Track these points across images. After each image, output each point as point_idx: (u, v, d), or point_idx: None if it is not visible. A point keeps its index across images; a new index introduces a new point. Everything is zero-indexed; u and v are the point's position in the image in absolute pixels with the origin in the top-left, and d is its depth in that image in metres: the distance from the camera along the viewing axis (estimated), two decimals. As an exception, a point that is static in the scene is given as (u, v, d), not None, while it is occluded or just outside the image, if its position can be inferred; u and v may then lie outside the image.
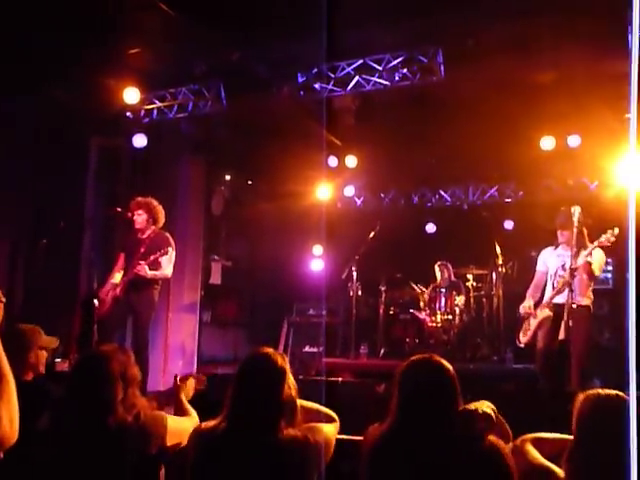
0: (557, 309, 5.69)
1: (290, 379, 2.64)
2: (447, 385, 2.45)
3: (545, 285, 6.04)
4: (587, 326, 5.73)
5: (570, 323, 5.34)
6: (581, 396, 2.33)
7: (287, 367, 2.65)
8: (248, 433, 2.51)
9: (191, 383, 3.33)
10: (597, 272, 5.68)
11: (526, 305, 5.97)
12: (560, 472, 2.27)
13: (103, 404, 2.56)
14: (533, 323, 5.92)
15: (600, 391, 2.31)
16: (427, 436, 2.35)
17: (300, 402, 2.68)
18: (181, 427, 2.81)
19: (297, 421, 2.60)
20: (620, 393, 2.26)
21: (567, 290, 5.44)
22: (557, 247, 5.93)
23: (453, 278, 8.93)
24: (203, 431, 2.61)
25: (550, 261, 5.97)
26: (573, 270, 5.46)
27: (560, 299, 5.69)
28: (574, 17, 5.68)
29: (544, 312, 5.82)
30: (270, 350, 2.69)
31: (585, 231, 5.76)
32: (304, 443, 2.50)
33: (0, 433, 1.77)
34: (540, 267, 6.10)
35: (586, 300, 5.72)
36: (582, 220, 5.70)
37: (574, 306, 5.43)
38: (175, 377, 3.34)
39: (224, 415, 2.59)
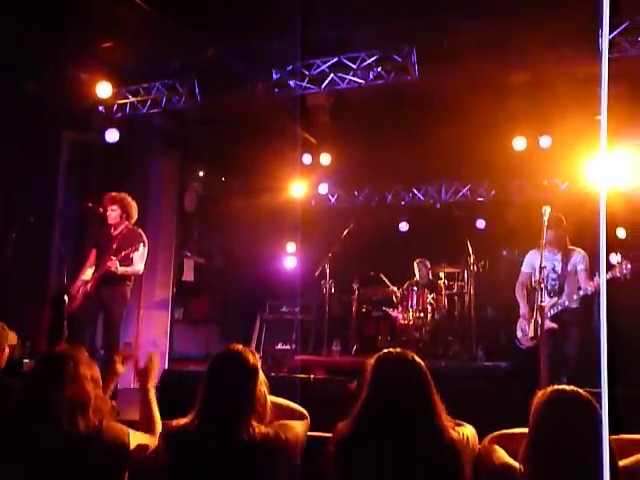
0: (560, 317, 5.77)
1: (261, 376, 2.64)
2: (414, 379, 2.47)
3: (532, 285, 6.10)
4: (579, 328, 5.79)
5: (539, 321, 5.40)
6: (539, 392, 2.34)
7: (258, 364, 2.65)
8: (219, 431, 2.50)
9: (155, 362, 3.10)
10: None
11: (525, 313, 6.01)
12: (521, 468, 2.29)
13: (76, 407, 2.47)
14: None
15: (557, 387, 2.31)
16: (391, 430, 2.37)
17: (271, 399, 2.68)
18: (142, 448, 2.64)
19: (268, 418, 2.60)
20: (577, 389, 2.28)
21: (538, 291, 5.50)
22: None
23: (431, 276, 8.99)
24: (174, 429, 2.59)
25: (537, 263, 6.02)
26: (542, 268, 5.53)
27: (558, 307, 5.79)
28: (546, 19, 5.75)
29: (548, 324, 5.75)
30: (241, 347, 2.68)
31: (567, 235, 5.90)
32: (275, 440, 2.50)
33: None
34: (525, 268, 6.16)
35: (575, 303, 5.76)
36: (564, 224, 5.85)
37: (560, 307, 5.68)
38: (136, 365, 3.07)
39: (195, 413, 2.57)
